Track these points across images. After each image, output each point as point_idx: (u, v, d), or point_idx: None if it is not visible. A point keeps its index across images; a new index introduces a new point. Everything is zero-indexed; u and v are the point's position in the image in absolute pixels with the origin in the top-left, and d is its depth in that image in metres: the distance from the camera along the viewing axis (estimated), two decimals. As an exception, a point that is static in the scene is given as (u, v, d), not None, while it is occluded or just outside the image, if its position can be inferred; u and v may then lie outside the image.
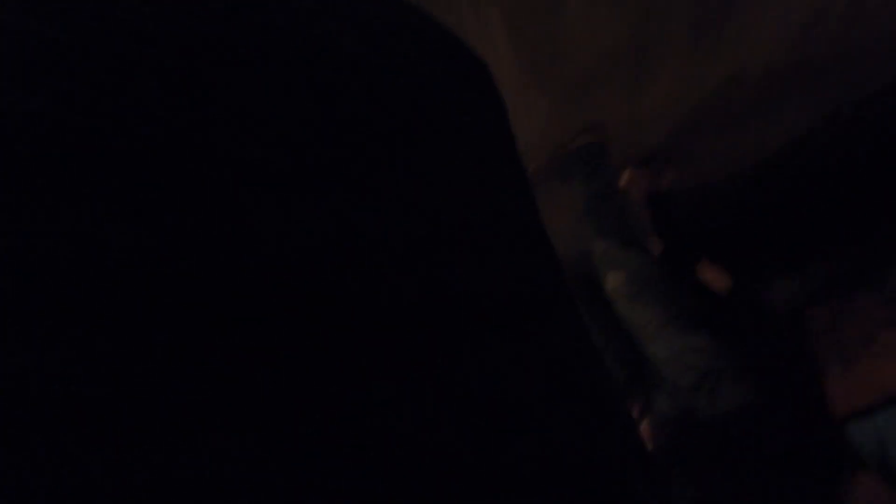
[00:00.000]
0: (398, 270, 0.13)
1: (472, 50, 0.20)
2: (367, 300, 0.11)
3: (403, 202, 0.14)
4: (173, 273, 0.10)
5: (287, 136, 0.13)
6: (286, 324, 0.10)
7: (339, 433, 0.10)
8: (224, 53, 0.13)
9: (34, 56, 0.11)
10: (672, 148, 1.43)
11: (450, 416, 0.11)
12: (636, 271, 1.05)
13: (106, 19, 0.12)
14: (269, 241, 0.11)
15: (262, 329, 0.10)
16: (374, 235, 0.13)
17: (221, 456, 0.09)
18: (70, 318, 0.08)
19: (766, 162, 1.59)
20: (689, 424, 1.01)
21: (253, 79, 0.13)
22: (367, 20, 0.16)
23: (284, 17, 0.15)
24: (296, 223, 0.12)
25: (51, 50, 0.11)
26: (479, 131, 0.18)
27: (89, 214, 0.09)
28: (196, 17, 0.13)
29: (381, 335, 0.11)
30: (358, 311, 0.11)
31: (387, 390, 0.11)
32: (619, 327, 1.14)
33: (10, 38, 0.10)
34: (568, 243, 1.33)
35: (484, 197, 0.16)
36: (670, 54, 1.12)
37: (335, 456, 0.10)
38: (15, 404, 0.08)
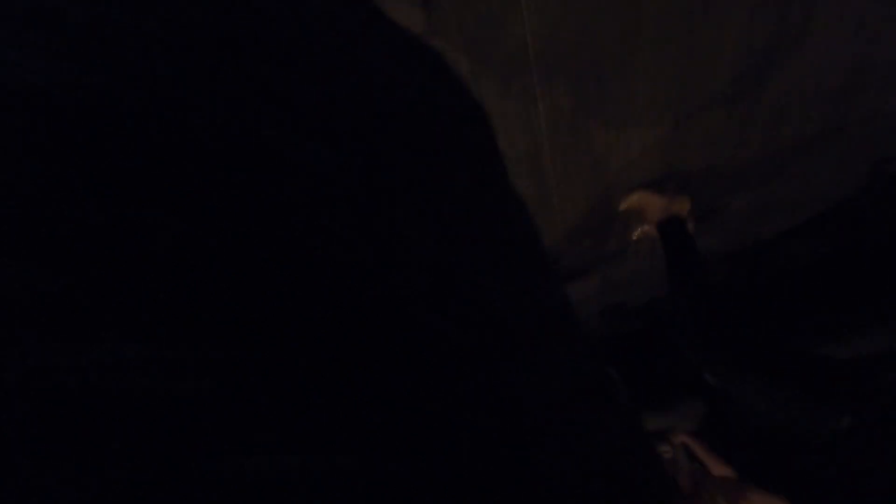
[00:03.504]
0: (411, 276, 0.13)
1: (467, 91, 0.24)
2: (386, 307, 0.12)
3: (424, 217, 0.15)
4: (212, 265, 0.10)
5: (332, 139, 0.13)
6: (311, 323, 0.11)
7: (355, 427, 0.10)
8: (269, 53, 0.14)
9: (73, 39, 0.11)
10: (706, 204, 1.40)
11: (463, 416, 0.12)
12: None
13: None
14: (302, 241, 0.11)
15: (284, 327, 0.10)
16: (396, 246, 0.13)
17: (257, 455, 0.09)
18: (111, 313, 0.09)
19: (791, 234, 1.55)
20: None
21: (301, 87, 0.14)
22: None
23: (329, 29, 0.17)
24: (334, 228, 0.12)
25: (84, 31, 0.11)
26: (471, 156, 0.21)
27: (129, 201, 0.10)
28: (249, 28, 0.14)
29: (395, 340, 0.12)
30: (379, 316, 0.12)
31: (399, 391, 0.11)
32: None
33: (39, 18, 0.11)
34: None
35: (490, 217, 0.18)
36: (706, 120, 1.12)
37: (353, 445, 0.10)
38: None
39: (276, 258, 0.11)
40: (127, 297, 0.09)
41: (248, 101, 0.13)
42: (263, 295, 0.10)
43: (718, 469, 1.31)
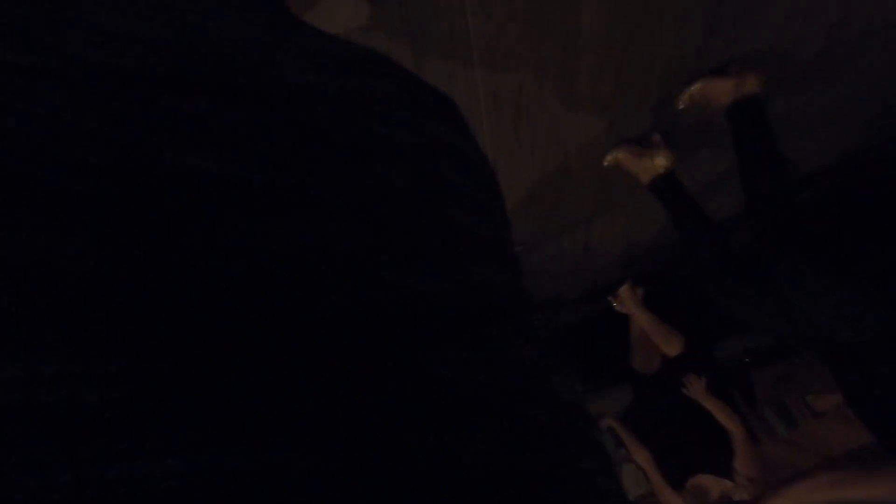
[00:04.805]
0: (362, 280, 0.13)
1: (432, 84, 0.23)
2: (333, 306, 0.12)
3: (363, 217, 0.15)
4: (151, 282, 0.10)
5: (256, 157, 0.13)
6: (262, 330, 0.11)
7: (316, 423, 0.11)
8: (197, 80, 0.14)
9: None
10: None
11: (414, 408, 0.12)
12: None
13: (73, 40, 0.13)
14: (251, 250, 0.12)
15: (241, 334, 0.11)
16: (339, 247, 0.13)
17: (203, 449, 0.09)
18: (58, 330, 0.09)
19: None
20: None
21: (221, 105, 0.14)
22: (322, 55, 0.19)
23: (249, 50, 0.16)
24: (270, 237, 0.12)
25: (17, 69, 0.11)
26: (432, 149, 0.20)
27: (65, 228, 0.10)
28: (170, 48, 0.14)
29: (349, 338, 0.12)
30: (325, 315, 0.12)
31: (356, 387, 0.11)
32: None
33: None
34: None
35: (439, 211, 0.18)
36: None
37: (313, 439, 0.10)
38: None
39: (180, 266, 0.11)
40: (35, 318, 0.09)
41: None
42: (162, 304, 0.10)
43: (636, 449, 1.45)
